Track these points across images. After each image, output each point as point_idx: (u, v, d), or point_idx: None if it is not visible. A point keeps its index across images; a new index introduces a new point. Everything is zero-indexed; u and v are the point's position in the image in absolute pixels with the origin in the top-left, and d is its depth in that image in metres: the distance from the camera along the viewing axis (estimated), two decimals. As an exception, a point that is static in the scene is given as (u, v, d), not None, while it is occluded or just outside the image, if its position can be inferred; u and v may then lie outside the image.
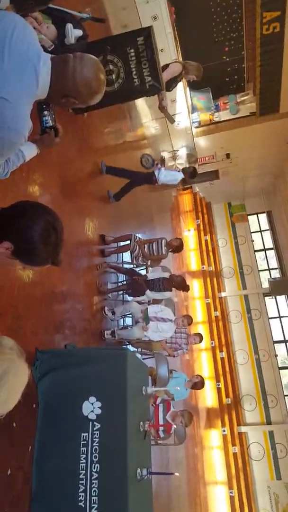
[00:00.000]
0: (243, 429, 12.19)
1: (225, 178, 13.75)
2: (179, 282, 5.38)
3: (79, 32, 3.16)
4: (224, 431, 11.71)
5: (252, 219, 15.79)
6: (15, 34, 1.29)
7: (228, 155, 12.84)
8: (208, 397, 11.87)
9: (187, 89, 10.99)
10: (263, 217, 15.61)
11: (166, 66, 4.78)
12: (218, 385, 12.19)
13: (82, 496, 2.51)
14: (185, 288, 5.58)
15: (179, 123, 11.13)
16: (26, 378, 1.10)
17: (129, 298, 5.32)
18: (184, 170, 5.77)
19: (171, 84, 4.87)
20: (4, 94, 1.22)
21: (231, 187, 14.65)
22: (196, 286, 13.51)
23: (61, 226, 1.35)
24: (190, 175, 5.82)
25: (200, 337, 5.75)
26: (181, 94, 10.25)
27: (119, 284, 5.41)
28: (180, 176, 5.75)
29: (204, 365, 12.33)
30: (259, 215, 15.76)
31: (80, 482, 2.55)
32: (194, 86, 11.24)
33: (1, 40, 1.27)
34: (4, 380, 1.02)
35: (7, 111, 1.23)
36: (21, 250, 1.28)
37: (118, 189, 5.60)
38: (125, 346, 4.90)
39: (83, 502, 2.50)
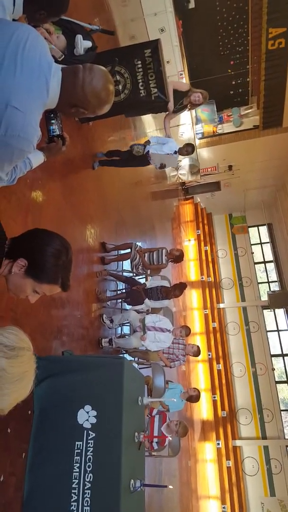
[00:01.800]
0: (238, 443, 12.08)
1: (227, 189, 13.82)
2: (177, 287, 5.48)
3: (88, 43, 3.21)
4: (218, 444, 11.60)
5: (252, 231, 15.84)
6: (28, 45, 1.32)
7: (230, 167, 12.93)
8: (203, 410, 11.79)
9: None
10: (263, 230, 15.66)
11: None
12: (214, 397, 12.11)
13: (74, 505, 2.48)
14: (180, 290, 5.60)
15: (182, 134, 11.23)
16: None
17: (128, 307, 5.32)
18: (181, 153, 5.34)
19: (177, 99, 4.89)
20: (16, 103, 1.24)
21: (232, 199, 14.72)
22: (194, 296, 13.50)
23: (72, 252, 1.43)
24: (188, 153, 5.46)
25: (197, 349, 5.71)
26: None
27: (118, 292, 5.41)
28: (174, 149, 5.23)
29: (200, 377, 12.26)
30: (259, 227, 15.81)
31: (73, 491, 2.52)
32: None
33: (14, 50, 1.29)
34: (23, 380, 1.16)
35: (18, 120, 1.25)
36: (33, 264, 1.33)
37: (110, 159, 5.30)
38: (122, 355, 4.89)
39: (75, 511, 2.47)
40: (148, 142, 5.24)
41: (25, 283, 1.38)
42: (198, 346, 5.76)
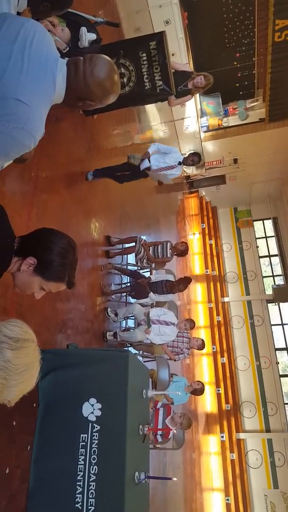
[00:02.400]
0: (241, 436, 12.14)
1: (232, 183, 13.74)
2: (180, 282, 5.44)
3: (92, 36, 3.18)
4: (222, 437, 11.66)
5: (257, 225, 15.78)
6: (35, 41, 1.33)
7: (235, 160, 12.85)
8: (207, 403, 11.84)
9: (197, 93, 11.01)
10: (268, 223, 15.59)
11: None
12: (218, 390, 12.16)
13: (79, 497, 2.51)
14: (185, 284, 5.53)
15: (187, 127, 11.16)
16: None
17: (132, 300, 5.33)
18: (186, 163, 4.97)
19: (180, 81, 4.70)
20: (22, 97, 1.25)
21: (238, 192, 14.65)
22: (199, 290, 13.50)
23: (77, 253, 1.47)
24: (194, 163, 5.07)
25: (202, 342, 5.72)
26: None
27: (123, 285, 5.42)
28: (178, 160, 4.85)
29: (204, 370, 12.31)
30: (264, 221, 15.74)
31: (78, 483, 2.55)
32: (204, 91, 11.27)
33: (21, 46, 1.30)
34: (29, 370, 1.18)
35: (23, 113, 1.26)
36: (41, 263, 1.37)
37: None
38: (126, 348, 4.91)
39: (80, 503, 2.49)
40: (147, 154, 4.89)
41: (33, 281, 1.41)
42: (202, 340, 5.77)
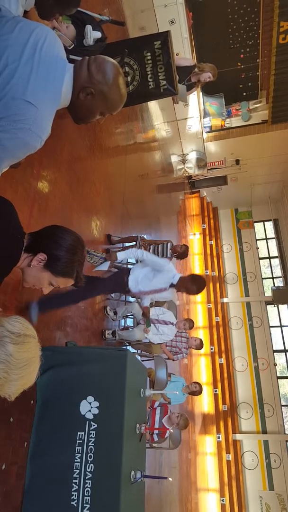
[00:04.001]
0: (238, 437, 12.15)
1: (233, 184, 13.76)
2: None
3: (98, 34, 3.17)
4: (218, 437, 11.67)
5: (258, 226, 15.78)
6: (45, 45, 1.37)
7: (237, 161, 12.86)
8: (204, 403, 11.85)
9: (200, 93, 11.02)
10: (269, 225, 15.59)
11: None
12: (216, 391, 12.16)
13: (75, 495, 2.51)
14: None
15: (190, 127, 11.16)
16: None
17: (132, 299, 5.33)
18: (178, 289, 3.63)
19: (183, 76, 4.57)
20: (30, 98, 1.28)
21: (239, 193, 14.66)
22: (198, 290, 13.47)
23: (85, 249, 1.50)
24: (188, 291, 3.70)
25: (200, 342, 5.73)
26: (194, 99, 10.28)
27: (123, 285, 5.41)
28: (170, 281, 3.56)
29: (202, 370, 12.31)
30: (265, 222, 15.75)
31: (74, 481, 2.55)
32: (207, 91, 11.29)
33: (32, 49, 1.34)
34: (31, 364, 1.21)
35: (31, 114, 1.28)
36: (52, 259, 1.40)
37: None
38: (125, 347, 4.91)
39: (75, 501, 2.50)
40: (113, 257, 3.53)
41: (42, 276, 1.44)
42: (200, 339, 5.77)
